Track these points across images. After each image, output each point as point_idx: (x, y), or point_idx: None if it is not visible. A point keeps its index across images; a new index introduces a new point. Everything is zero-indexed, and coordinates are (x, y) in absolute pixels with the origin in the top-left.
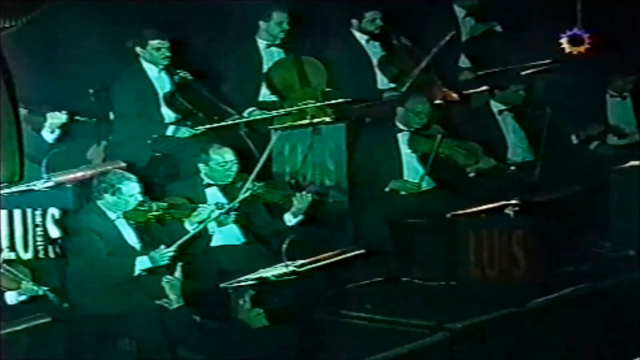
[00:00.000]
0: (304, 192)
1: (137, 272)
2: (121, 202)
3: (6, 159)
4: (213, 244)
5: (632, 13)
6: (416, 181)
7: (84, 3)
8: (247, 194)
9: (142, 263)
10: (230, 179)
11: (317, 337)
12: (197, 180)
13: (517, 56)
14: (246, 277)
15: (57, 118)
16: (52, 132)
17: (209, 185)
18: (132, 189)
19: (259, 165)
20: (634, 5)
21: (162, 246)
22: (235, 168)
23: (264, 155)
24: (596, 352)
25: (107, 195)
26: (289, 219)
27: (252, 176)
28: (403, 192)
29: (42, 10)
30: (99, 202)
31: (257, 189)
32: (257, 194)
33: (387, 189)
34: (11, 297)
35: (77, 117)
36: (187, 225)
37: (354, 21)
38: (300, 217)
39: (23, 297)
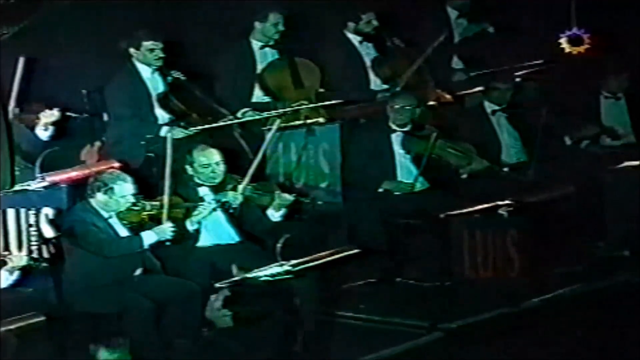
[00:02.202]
0: (286, 195)
1: (146, 246)
2: (112, 202)
3: None
4: (207, 242)
5: (623, 13)
6: (410, 181)
7: (77, 4)
8: (240, 199)
9: (148, 237)
10: (217, 180)
11: (311, 337)
12: (188, 181)
13: (510, 57)
14: (241, 276)
15: (50, 116)
16: (46, 129)
17: (199, 184)
18: (125, 189)
19: (252, 168)
20: (625, 5)
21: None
22: (221, 169)
23: (258, 157)
24: (591, 352)
25: (99, 194)
26: (272, 214)
27: (246, 181)
28: (397, 193)
29: (35, 17)
30: (91, 201)
31: (247, 192)
32: (247, 197)
33: (380, 190)
34: (4, 279)
35: (70, 114)
36: (187, 224)
37: (350, 23)
38: (283, 212)
39: (16, 275)
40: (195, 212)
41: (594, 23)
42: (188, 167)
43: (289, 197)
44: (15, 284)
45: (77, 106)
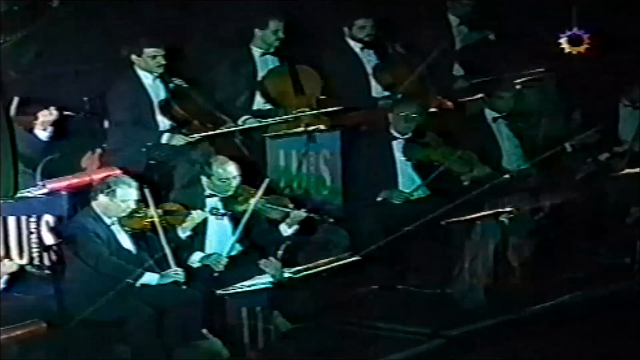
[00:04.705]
0: (300, 211)
1: (139, 283)
2: (112, 205)
3: (2, 174)
4: (210, 251)
5: (623, 13)
6: (407, 191)
7: (79, 12)
8: (250, 210)
9: (149, 278)
10: (230, 192)
11: (312, 343)
12: (199, 190)
13: (511, 64)
14: (242, 283)
15: (48, 115)
16: (45, 129)
17: (210, 195)
18: (127, 194)
19: (264, 185)
20: (625, 6)
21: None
22: (237, 182)
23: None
24: (592, 359)
25: (101, 196)
26: (284, 229)
27: (258, 196)
28: (395, 201)
29: (38, 24)
30: (93, 204)
31: (259, 205)
32: (258, 210)
33: (379, 199)
34: None
35: (68, 113)
36: (179, 232)
37: (345, 29)
38: (295, 227)
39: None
40: (188, 219)
41: (594, 24)
42: (203, 178)
43: (301, 214)
44: (7, 288)
45: (77, 110)
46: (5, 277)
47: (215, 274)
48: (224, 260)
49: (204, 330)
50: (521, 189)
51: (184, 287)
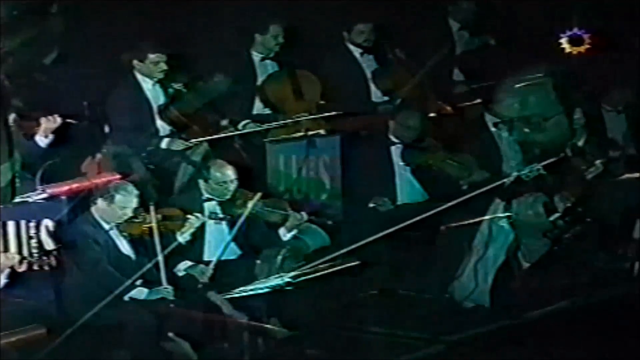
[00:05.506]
0: (300, 213)
1: (126, 297)
2: (111, 210)
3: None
4: (208, 257)
5: (623, 13)
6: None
7: (80, 18)
8: (247, 212)
9: (140, 292)
10: (228, 196)
11: (312, 348)
12: (197, 195)
13: (511, 69)
14: (241, 288)
15: (52, 122)
16: (46, 136)
17: (208, 199)
18: (126, 200)
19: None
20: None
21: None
22: (234, 186)
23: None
24: None
25: (99, 200)
26: (284, 234)
27: (256, 199)
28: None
29: (38, 30)
30: (92, 209)
31: (257, 208)
32: (256, 213)
33: (370, 205)
34: None
35: (70, 121)
36: (178, 237)
37: (345, 34)
38: (295, 231)
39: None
40: (186, 224)
41: (594, 24)
42: (201, 182)
43: (302, 217)
44: (7, 290)
45: (79, 117)
46: (7, 272)
47: (200, 285)
48: (209, 272)
49: (170, 334)
50: (521, 193)
51: (172, 305)
